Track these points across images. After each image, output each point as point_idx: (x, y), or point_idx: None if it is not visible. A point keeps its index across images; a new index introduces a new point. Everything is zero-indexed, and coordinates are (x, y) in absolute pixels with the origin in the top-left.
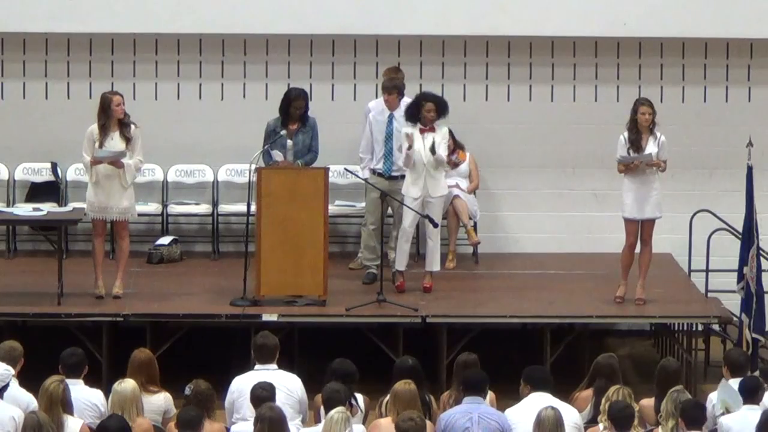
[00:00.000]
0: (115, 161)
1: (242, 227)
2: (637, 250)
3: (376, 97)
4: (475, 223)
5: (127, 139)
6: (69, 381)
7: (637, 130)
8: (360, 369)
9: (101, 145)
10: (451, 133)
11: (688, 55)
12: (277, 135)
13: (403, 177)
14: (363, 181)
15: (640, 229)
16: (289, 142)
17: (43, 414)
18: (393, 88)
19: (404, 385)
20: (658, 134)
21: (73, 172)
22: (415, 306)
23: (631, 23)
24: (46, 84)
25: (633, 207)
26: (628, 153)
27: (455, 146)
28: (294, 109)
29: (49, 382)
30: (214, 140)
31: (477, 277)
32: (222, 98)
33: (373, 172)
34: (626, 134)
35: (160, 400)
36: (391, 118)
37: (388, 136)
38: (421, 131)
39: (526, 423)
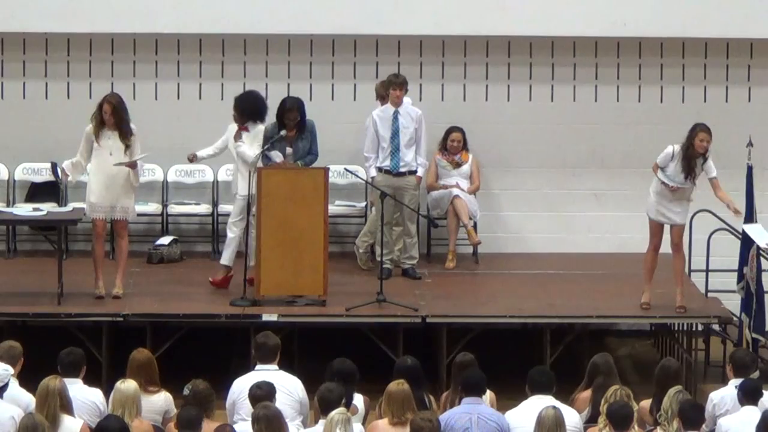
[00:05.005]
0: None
1: None
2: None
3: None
4: (475, 223)
5: (127, 139)
6: (67, 380)
7: (691, 156)
8: (360, 369)
9: (98, 144)
10: (463, 133)
11: (688, 55)
12: (277, 136)
13: (410, 173)
14: (364, 181)
15: (671, 234)
16: (289, 150)
17: (39, 415)
18: (403, 83)
19: (397, 386)
20: (707, 156)
21: None
22: (415, 306)
23: (631, 23)
24: (46, 84)
25: (666, 212)
26: (669, 167)
27: (463, 146)
28: (288, 120)
29: (45, 382)
30: (214, 140)
31: (477, 277)
32: (222, 98)
33: (380, 170)
34: (678, 151)
35: (160, 400)
36: (396, 114)
37: (395, 133)
38: (240, 129)
39: (526, 425)
